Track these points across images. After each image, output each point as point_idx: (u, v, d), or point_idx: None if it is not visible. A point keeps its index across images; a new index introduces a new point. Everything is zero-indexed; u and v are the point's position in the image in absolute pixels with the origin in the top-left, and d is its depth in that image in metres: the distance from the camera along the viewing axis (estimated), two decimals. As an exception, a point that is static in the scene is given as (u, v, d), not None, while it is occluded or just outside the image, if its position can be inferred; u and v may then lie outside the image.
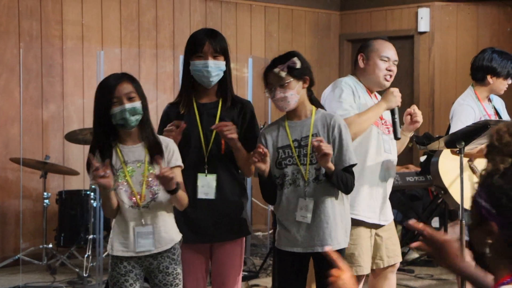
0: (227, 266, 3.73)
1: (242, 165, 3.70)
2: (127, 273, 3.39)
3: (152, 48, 7.96)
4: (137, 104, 3.33)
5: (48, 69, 7.30)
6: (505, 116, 4.95)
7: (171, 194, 3.32)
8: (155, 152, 3.38)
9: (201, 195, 3.64)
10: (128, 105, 3.30)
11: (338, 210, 3.59)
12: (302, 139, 3.58)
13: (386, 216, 4.10)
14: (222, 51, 3.68)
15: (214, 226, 3.67)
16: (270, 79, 3.57)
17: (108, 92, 3.31)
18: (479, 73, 4.86)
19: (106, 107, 3.31)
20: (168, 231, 3.44)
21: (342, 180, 3.52)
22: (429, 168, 5.17)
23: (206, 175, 3.65)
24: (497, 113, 4.93)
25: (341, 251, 3.60)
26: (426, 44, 8.82)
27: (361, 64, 4.12)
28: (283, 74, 3.51)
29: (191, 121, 3.66)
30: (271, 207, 6.58)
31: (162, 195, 3.39)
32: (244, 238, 3.82)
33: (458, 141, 4.30)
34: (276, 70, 3.52)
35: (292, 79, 3.53)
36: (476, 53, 5.04)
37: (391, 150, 4.08)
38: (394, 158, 4.12)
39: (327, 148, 3.39)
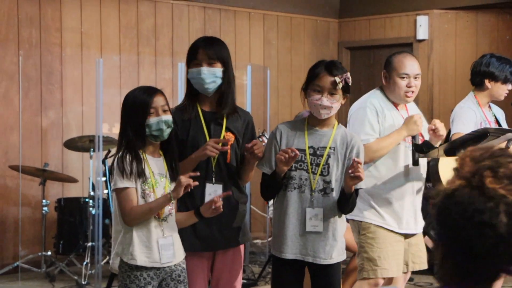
0: (228, 273, 3.75)
1: (245, 176, 3.74)
2: (146, 285, 3.38)
3: (151, 55, 7.97)
4: (171, 117, 3.40)
5: (47, 77, 7.30)
6: (504, 126, 4.96)
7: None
8: (174, 168, 3.45)
9: None
10: (164, 117, 3.35)
11: (338, 226, 3.60)
12: (318, 149, 3.58)
13: (417, 226, 4.24)
14: (219, 58, 3.67)
15: (219, 233, 3.69)
16: (323, 82, 3.54)
17: (145, 102, 3.35)
18: (478, 78, 4.89)
19: (142, 117, 3.33)
20: (180, 243, 3.50)
21: (352, 203, 3.56)
22: (429, 177, 5.17)
23: (213, 184, 3.66)
24: (497, 121, 4.94)
25: (337, 265, 3.61)
26: (425, 52, 8.83)
27: (384, 81, 4.23)
28: (341, 86, 3.52)
29: (197, 128, 3.67)
30: (270, 215, 6.57)
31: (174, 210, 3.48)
32: (243, 245, 3.83)
33: (457, 149, 4.30)
34: (337, 79, 3.51)
35: (341, 93, 3.55)
36: (476, 59, 5.06)
37: (420, 162, 4.17)
38: (423, 170, 4.23)
39: (362, 172, 3.41)
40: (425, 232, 7.10)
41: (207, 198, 3.65)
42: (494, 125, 4.84)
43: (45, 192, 6.69)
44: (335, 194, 3.56)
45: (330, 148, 3.57)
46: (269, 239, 7.45)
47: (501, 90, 4.88)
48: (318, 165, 3.56)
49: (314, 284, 3.65)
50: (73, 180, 6.79)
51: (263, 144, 3.86)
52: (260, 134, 6.96)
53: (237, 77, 8.29)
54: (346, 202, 3.52)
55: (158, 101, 3.37)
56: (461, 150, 4.28)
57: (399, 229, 4.12)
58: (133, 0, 7.85)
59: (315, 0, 9.41)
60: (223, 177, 3.68)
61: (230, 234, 3.71)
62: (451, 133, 4.83)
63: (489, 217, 1.60)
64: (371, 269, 4.06)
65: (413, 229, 4.20)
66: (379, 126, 4.06)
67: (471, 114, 4.79)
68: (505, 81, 4.85)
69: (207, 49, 3.65)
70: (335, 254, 3.59)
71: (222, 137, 3.66)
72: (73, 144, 6.66)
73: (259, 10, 8.87)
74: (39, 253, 6.63)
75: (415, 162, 4.08)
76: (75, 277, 6.35)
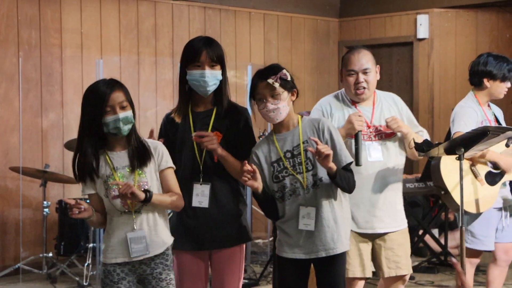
0: (226, 273, 3.73)
1: (234, 174, 3.68)
2: (120, 280, 3.37)
3: (151, 55, 7.97)
4: (130, 113, 3.33)
5: (47, 78, 7.30)
6: (503, 125, 4.96)
7: (145, 204, 3.33)
8: (141, 156, 3.37)
9: (195, 203, 3.65)
10: (121, 115, 3.30)
11: (338, 212, 3.61)
12: (294, 149, 3.59)
13: (382, 224, 4.07)
14: (218, 59, 3.67)
15: (211, 233, 3.68)
16: (260, 89, 3.55)
17: (101, 100, 3.30)
18: (476, 77, 4.89)
19: (98, 115, 3.29)
20: (160, 234, 3.42)
21: (344, 178, 3.55)
22: (430, 175, 5.17)
23: (201, 184, 3.65)
24: (496, 120, 4.94)
25: (342, 256, 3.61)
26: (425, 50, 8.83)
27: (341, 79, 4.17)
28: (277, 85, 3.51)
29: (185, 129, 3.67)
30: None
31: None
32: (244, 245, 3.81)
33: (457, 147, 4.29)
34: (270, 80, 3.50)
35: (284, 91, 3.54)
36: (474, 59, 5.06)
37: (381, 157, 4.06)
38: (391, 163, 4.10)
39: (326, 149, 3.41)
40: (426, 231, 7.12)
41: (194, 199, 3.64)
42: (494, 124, 4.84)
43: (46, 193, 6.69)
44: (325, 182, 3.56)
45: (303, 142, 3.58)
46: (271, 239, 7.45)
47: (500, 88, 4.88)
48: (300, 163, 3.57)
49: (320, 278, 3.64)
50: (74, 181, 6.69)
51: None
52: (261, 134, 6.96)
53: (238, 77, 8.33)
54: (336, 182, 3.53)
55: (115, 98, 3.30)
56: (461, 148, 4.28)
57: (358, 228, 4.01)
58: (133, 1, 7.85)
59: (315, 0, 9.41)
60: (211, 177, 3.66)
61: (223, 234, 3.68)
62: (452, 132, 4.82)
63: None
64: (351, 268, 3.99)
65: (376, 228, 4.05)
66: None
67: (472, 114, 4.79)
68: (503, 79, 4.85)
69: (209, 52, 3.64)
70: (344, 240, 3.61)
71: None
72: (73, 145, 6.59)
73: (259, 10, 8.86)
74: (40, 255, 6.63)
75: (358, 162, 3.90)
76: (77, 278, 6.34)
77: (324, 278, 3.63)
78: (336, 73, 9.50)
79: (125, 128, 3.32)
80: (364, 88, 4.06)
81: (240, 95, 7.96)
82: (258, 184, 3.50)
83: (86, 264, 6.34)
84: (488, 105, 4.98)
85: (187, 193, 3.62)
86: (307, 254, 3.59)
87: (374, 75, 4.10)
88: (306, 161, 3.56)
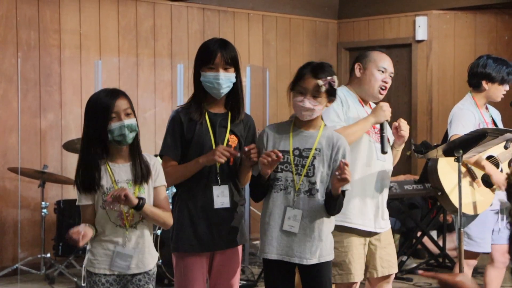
0: (226, 274, 3.75)
1: (242, 178, 3.74)
2: None
3: (150, 57, 7.97)
4: (134, 121, 3.31)
5: (46, 79, 7.30)
6: (501, 126, 4.97)
7: (137, 210, 3.29)
8: (144, 172, 3.34)
9: (217, 204, 3.66)
10: (127, 121, 3.27)
11: (325, 227, 3.59)
12: (304, 150, 3.58)
13: (381, 224, 4.09)
14: (233, 62, 3.67)
15: (218, 234, 3.69)
16: (306, 84, 3.53)
17: (106, 107, 3.27)
18: (475, 79, 4.89)
19: (103, 122, 3.26)
20: (152, 251, 3.42)
21: (339, 203, 3.55)
22: (427, 177, 5.17)
23: (219, 185, 3.66)
24: (494, 122, 4.95)
25: (326, 265, 3.60)
26: (423, 52, 8.83)
27: (357, 73, 4.14)
28: (324, 89, 3.50)
29: (203, 130, 3.67)
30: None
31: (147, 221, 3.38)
32: (242, 246, 3.83)
33: (456, 149, 4.30)
34: (320, 82, 3.50)
35: (325, 96, 3.54)
36: (473, 61, 5.07)
37: (385, 158, 4.07)
38: (388, 166, 4.11)
39: (349, 174, 3.39)
40: (424, 233, 7.12)
41: (216, 200, 3.65)
42: (491, 126, 4.84)
43: (44, 194, 6.69)
44: (320, 196, 3.54)
45: (315, 149, 3.56)
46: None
47: (498, 91, 4.88)
48: (303, 166, 3.55)
49: (304, 285, 3.64)
50: (72, 182, 6.76)
51: None
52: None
53: (236, 78, 8.30)
54: (334, 204, 3.51)
55: (120, 104, 3.27)
56: (460, 150, 4.28)
57: (363, 226, 4.00)
58: (131, 2, 7.85)
59: (314, 1, 9.41)
60: (226, 179, 3.69)
61: (229, 235, 3.71)
62: (449, 134, 4.83)
63: None
64: (337, 274, 3.97)
65: (375, 227, 4.05)
66: (344, 115, 4.00)
67: (470, 116, 4.79)
68: (502, 82, 4.85)
69: (224, 54, 3.64)
70: (322, 254, 3.58)
71: (226, 139, 3.66)
72: (72, 146, 6.65)
73: (258, 11, 8.87)
74: (38, 255, 6.62)
75: (384, 151, 3.94)
76: (75, 279, 6.35)
77: (309, 284, 3.63)
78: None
79: (130, 136, 3.29)
80: (385, 88, 4.11)
81: (238, 96, 7.97)
82: (270, 171, 3.50)
83: (84, 265, 6.33)
84: (486, 107, 4.99)
85: (203, 194, 3.64)
86: (280, 256, 3.58)
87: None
88: (309, 167, 3.55)
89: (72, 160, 7.31)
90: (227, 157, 3.55)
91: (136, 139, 3.35)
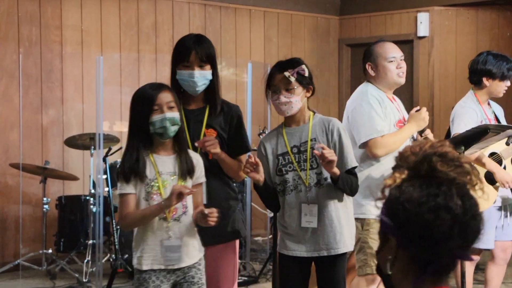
0: (220, 269, 3.73)
1: (229, 172, 3.72)
2: (156, 287, 3.35)
3: (152, 53, 7.97)
4: (177, 114, 3.32)
5: (47, 75, 7.30)
6: (503, 122, 4.97)
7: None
8: (189, 167, 3.37)
9: None
10: (168, 114, 3.28)
11: (342, 213, 3.60)
12: (301, 145, 3.59)
13: None
14: (208, 59, 3.65)
15: (204, 230, 3.67)
16: (276, 81, 3.56)
17: (149, 99, 3.29)
18: (475, 76, 4.89)
19: (145, 114, 3.28)
20: (196, 244, 3.43)
21: (347, 183, 3.54)
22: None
23: None
24: (496, 118, 4.94)
25: (342, 256, 3.61)
26: (425, 48, 8.83)
27: (371, 72, 4.24)
28: (293, 79, 3.52)
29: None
30: (270, 213, 6.58)
31: (191, 209, 3.39)
32: (237, 241, 3.81)
33: (458, 145, 4.30)
34: (286, 74, 3.52)
35: (298, 86, 3.54)
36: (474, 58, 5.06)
37: None
38: None
39: (331, 154, 3.40)
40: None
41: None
42: (494, 122, 4.83)
43: (45, 190, 6.69)
44: (329, 182, 3.56)
45: (311, 140, 3.58)
46: (270, 236, 7.45)
47: (499, 87, 4.88)
48: (305, 160, 3.57)
49: (320, 277, 3.64)
50: (73, 178, 6.79)
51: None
52: (261, 131, 6.96)
53: (238, 74, 8.33)
54: (339, 186, 3.52)
55: (163, 97, 3.30)
56: (461, 147, 4.28)
57: None
58: (133, -2, 7.85)
59: (315, -3, 9.41)
60: (206, 174, 3.66)
61: (218, 230, 3.66)
62: (452, 132, 4.83)
63: (444, 200, 1.63)
64: (375, 264, 4.02)
65: None
66: (383, 114, 4.10)
67: (472, 114, 4.79)
68: (502, 78, 4.85)
69: (198, 52, 3.62)
70: (347, 240, 3.61)
71: (202, 133, 3.65)
72: (73, 142, 6.66)
73: (260, 8, 8.86)
74: (40, 251, 6.63)
75: None
76: (76, 275, 6.35)
77: (325, 277, 3.63)
78: (336, 71, 9.50)
79: (172, 129, 3.30)
80: (403, 73, 4.21)
81: (240, 93, 7.97)
82: (260, 177, 3.49)
83: (85, 261, 6.34)
84: (488, 103, 4.98)
85: None
86: (309, 252, 3.59)
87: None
88: (311, 159, 3.56)
89: (73, 156, 7.31)
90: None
91: (180, 132, 3.37)
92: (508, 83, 4.90)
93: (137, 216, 3.32)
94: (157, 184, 3.32)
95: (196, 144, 3.56)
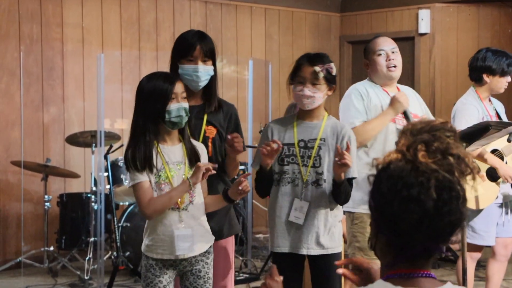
0: (220, 264, 3.74)
1: (232, 170, 3.74)
2: (162, 274, 3.38)
3: (153, 50, 7.97)
4: (188, 105, 3.37)
5: (48, 72, 7.30)
6: (505, 119, 4.96)
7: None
8: (194, 155, 3.40)
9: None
10: (184, 104, 3.33)
11: (331, 217, 3.60)
12: (309, 141, 3.59)
13: None
14: (211, 55, 3.67)
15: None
16: (304, 73, 3.55)
17: (167, 88, 3.30)
18: (475, 73, 4.89)
19: (162, 103, 3.29)
20: (204, 234, 3.43)
21: (345, 190, 3.54)
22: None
23: None
24: (497, 115, 4.94)
25: (336, 256, 3.61)
26: (426, 45, 8.82)
27: (366, 68, 4.24)
28: (321, 75, 3.52)
29: None
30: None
31: (198, 198, 3.41)
32: (233, 237, 3.83)
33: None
34: (317, 68, 3.52)
35: (324, 83, 3.55)
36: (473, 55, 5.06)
37: None
38: None
39: (349, 159, 3.39)
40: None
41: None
42: (495, 119, 4.83)
43: (47, 187, 6.70)
44: (327, 186, 3.56)
45: (320, 139, 3.57)
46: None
47: (500, 83, 4.87)
48: (309, 157, 3.56)
49: (313, 276, 3.65)
50: (75, 175, 6.79)
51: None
52: (262, 128, 6.96)
53: (239, 71, 8.33)
54: (339, 191, 3.51)
55: (178, 87, 3.33)
56: (462, 143, 4.28)
57: None
58: (134, -5, 7.85)
59: (316, -6, 9.40)
60: None
61: (216, 227, 3.67)
62: (452, 130, 4.82)
63: (418, 192, 1.60)
64: (368, 258, 4.01)
65: None
66: (365, 109, 4.08)
67: (473, 111, 4.79)
68: (502, 74, 4.84)
69: (203, 47, 3.63)
70: (330, 244, 3.59)
71: (203, 130, 3.65)
72: (74, 140, 6.66)
73: (261, 5, 8.86)
74: (42, 249, 6.64)
75: None
76: (78, 272, 6.35)
77: (318, 276, 3.63)
78: (337, 68, 9.47)
79: (185, 119, 3.34)
80: (395, 66, 4.16)
81: (241, 90, 7.97)
82: (270, 162, 3.50)
83: (87, 258, 6.35)
84: (489, 100, 4.98)
85: None
86: (291, 249, 3.59)
87: (400, 57, 4.23)
88: (315, 157, 3.56)
89: (74, 154, 7.32)
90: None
91: (187, 123, 3.40)
92: (508, 78, 4.90)
93: (163, 199, 3.31)
94: (165, 174, 3.33)
95: (228, 137, 3.56)
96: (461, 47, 8.76)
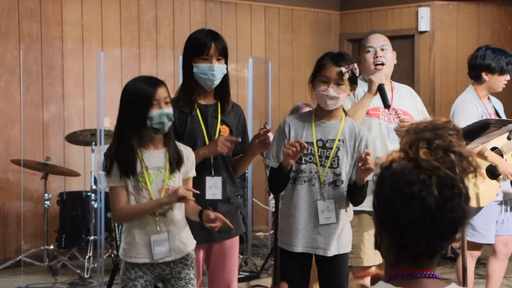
0: (224, 265, 3.75)
1: (240, 169, 3.76)
2: (137, 278, 3.36)
3: (152, 48, 7.96)
4: (172, 110, 3.32)
5: (48, 71, 7.30)
6: (503, 117, 4.96)
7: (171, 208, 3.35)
8: (176, 160, 3.36)
9: (209, 195, 3.67)
10: (166, 110, 3.28)
11: (345, 218, 3.61)
12: (327, 141, 3.57)
13: None
14: (224, 53, 3.69)
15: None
16: (330, 73, 3.51)
17: (148, 94, 3.27)
18: (474, 71, 4.88)
19: (143, 109, 3.26)
20: (183, 240, 3.41)
21: (364, 193, 3.55)
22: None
23: (213, 176, 3.66)
24: (496, 113, 4.94)
25: (345, 256, 3.62)
26: (426, 43, 8.81)
27: (358, 65, 4.20)
28: (347, 76, 3.50)
29: (195, 122, 3.66)
30: (272, 208, 6.58)
31: (179, 204, 3.39)
32: (238, 237, 3.85)
33: (458, 140, 4.29)
34: (344, 69, 3.49)
35: (348, 84, 3.53)
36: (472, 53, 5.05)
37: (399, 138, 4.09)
38: None
39: (372, 163, 3.38)
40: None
41: (208, 191, 3.66)
42: (494, 117, 4.83)
43: (47, 186, 6.70)
44: (344, 186, 3.55)
45: (339, 140, 3.56)
46: (271, 232, 7.45)
47: (498, 81, 4.87)
48: (327, 157, 3.54)
49: (322, 276, 3.64)
50: (75, 174, 6.79)
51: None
52: (262, 126, 6.96)
53: (239, 70, 8.32)
54: (359, 194, 3.51)
55: (161, 92, 3.29)
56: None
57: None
58: (133, -6, 7.84)
59: (316, -8, 9.39)
60: (221, 169, 3.70)
61: (226, 226, 3.69)
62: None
63: (419, 190, 1.60)
64: (353, 256, 3.99)
65: None
66: (350, 104, 4.04)
67: (472, 109, 4.78)
68: (501, 72, 4.84)
69: (217, 45, 3.64)
70: (343, 245, 3.60)
71: (218, 130, 3.66)
72: (74, 138, 6.66)
73: (260, 3, 8.85)
74: (42, 247, 6.64)
75: (387, 105, 3.95)
76: (78, 271, 6.35)
77: (327, 275, 3.62)
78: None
79: (168, 125, 3.30)
80: (383, 64, 4.12)
81: (241, 88, 7.96)
82: (293, 162, 3.47)
83: (87, 257, 6.35)
84: (488, 98, 4.97)
85: (196, 185, 3.64)
86: (307, 249, 3.58)
87: (391, 54, 4.19)
88: (333, 158, 3.54)
89: (74, 152, 7.32)
90: (228, 147, 3.55)
91: (170, 128, 3.36)
92: (507, 77, 4.89)
93: (132, 211, 3.31)
94: (143, 180, 3.31)
95: (262, 131, 3.61)
96: (461, 45, 8.76)
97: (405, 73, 8.91)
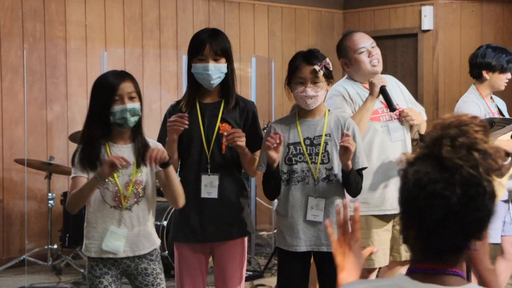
0: (228, 266, 3.72)
1: (248, 167, 3.71)
2: (102, 275, 3.34)
3: (156, 48, 7.97)
4: (137, 105, 3.31)
5: (52, 70, 7.31)
6: (507, 116, 4.95)
7: (163, 168, 3.29)
8: (143, 155, 3.33)
9: (204, 194, 3.64)
10: (129, 105, 3.27)
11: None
12: (314, 138, 3.58)
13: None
14: (223, 52, 3.67)
15: (214, 225, 3.67)
16: (304, 73, 3.54)
17: (111, 89, 3.27)
18: (475, 70, 4.87)
19: (106, 104, 3.26)
20: (148, 236, 3.40)
21: (355, 180, 3.54)
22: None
23: (209, 175, 3.65)
24: (500, 112, 4.93)
25: None
26: (430, 42, 8.81)
27: (347, 67, 4.22)
28: (321, 73, 3.51)
29: (193, 120, 3.66)
30: (275, 208, 6.59)
31: (146, 200, 3.38)
32: (245, 239, 3.80)
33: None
34: (316, 67, 3.51)
35: (324, 80, 3.55)
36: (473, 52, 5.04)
37: (402, 136, 4.10)
38: (408, 144, 4.13)
39: (352, 144, 3.39)
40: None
41: (203, 190, 3.64)
42: (497, 116, 4.82)
43: (50, 185, 6.70)
44: (339, 178, 3.56)
45: (326, 135, 3.57)
46: (275, 231, 7.45)
47: (499, 80, 4.85)
48: (317, 154, 3.56)
49: (322, 276, 3.63)
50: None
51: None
52: (265, 126, 6.96)
53: (242, 69, 8.31)
54: (348, 181, 3.51)
55: (125, 87, 3.27)
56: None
57: (387, 211, 4.01)
58: (137, -7, 7.85)
59: (319, -9, 9.39)
60: (218, 168, 3.66)
61: (226, 226, 3.67)
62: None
63: (443, 188, 1.58)
64: None
65: (396, 210, 4.10)
66: (349, 108, 4.04)
67: (475, 108, 4.77)
68: (502, 70, 4.82)
69: (213, 45, 3.63)
70: None
71: (217, 128, 3.65)
72: (78, 137, 6.62)
73: (263, 2, 8.85)
74: (45, 247, 6.65)
75: (392, 108, 3.97)
76: (81, 270, 6.36)
77: (327, 273, 3.62)
78: (339, 65, 9.47)
79: (132, 120, 3.30)
80: (378, 61, 4.13)
81: (244, 87, 7.95)
82: (277, 157, 3.46)
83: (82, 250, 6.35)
84: (491, 97, 4.96)
85: (194, 184, 3.63)
86: (309, 247, 3.58)
87: (379, 50, 4.19)
88: (323, 153, 3.55)
89: (78, 152, 7.32)
90: (182, 123, 3.50)
91: (139, 122, 3.35)
92: (508, 75, 4.88)
93: (75, 192, 3.31)
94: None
95: (224, 134, 3.56)
96: (464, 44, 8.75)
97: (408, 71, 8.90)
